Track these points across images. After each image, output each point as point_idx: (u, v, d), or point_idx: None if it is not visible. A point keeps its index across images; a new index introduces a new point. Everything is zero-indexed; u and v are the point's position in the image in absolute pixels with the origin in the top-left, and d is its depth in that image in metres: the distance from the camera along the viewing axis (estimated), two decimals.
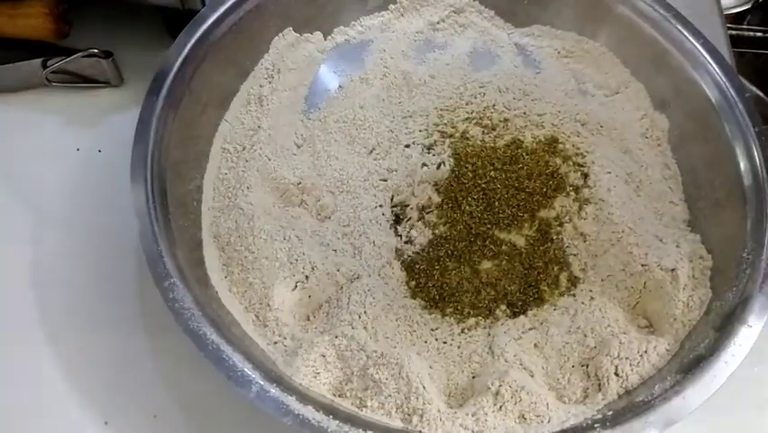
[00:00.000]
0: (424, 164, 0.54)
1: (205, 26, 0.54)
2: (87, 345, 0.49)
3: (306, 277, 0.48)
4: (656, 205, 0.54)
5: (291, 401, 0.41)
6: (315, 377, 0.44)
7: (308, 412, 0.40)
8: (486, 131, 0.56)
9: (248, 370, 0.41)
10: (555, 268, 0.51)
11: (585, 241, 0.52)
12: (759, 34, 0.77)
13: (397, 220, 0.53)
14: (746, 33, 0.77)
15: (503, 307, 0.50)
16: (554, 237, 0.52)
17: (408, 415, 0.43)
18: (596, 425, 0.42)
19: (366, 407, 0.43)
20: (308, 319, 0.49)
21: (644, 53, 0.60)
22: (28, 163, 0.57)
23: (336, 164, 0.54)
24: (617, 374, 0.46)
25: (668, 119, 0.58)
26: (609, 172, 0.54)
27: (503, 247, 0.52)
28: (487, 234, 0.52)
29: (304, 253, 0.49)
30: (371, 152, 0.55)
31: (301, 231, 0.50)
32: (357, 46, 0.62)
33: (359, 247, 0.51)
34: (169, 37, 0.58)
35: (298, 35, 0.60)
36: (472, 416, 0.43)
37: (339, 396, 0.44)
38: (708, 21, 0.65)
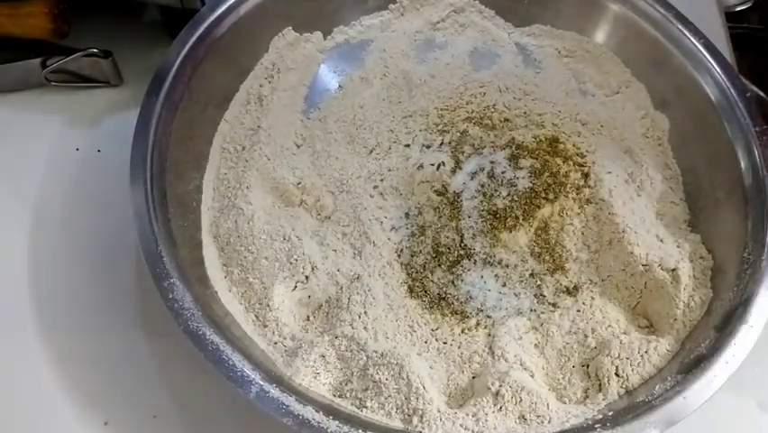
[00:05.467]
0: (423, 164, 0.54)
1: (204, 26, 0.54)
2: (87, 345, 0.49)
3: (306, 277, 0.48)
4: (657, 205, 0.54)
5: (291, 402, 0.41)
6: (315, 377, 0.44)
7: (308, 413, 0.40)
8: (486, 131, 0.56)
9: (248, 370, 0.41)
10: (556, 268, 0.51)
11: (585, 241, 0.52)
12: (759, 34, 0.77)
13: (398, 220, 0.53)
14: (747, 33, 0.77)
15: (503, 307, 0.50)
16: (555, 237, 0.52)
17: (408, 415, 0.43)
18: (596, 425, 0.42)
19: (366, 407, 0.43)
20: (308, 319, 0.49)
21: (645, 53, 0.60)
22: (27, 163, 0.56)
23: (336, 164, 0.54)
24: (617, 375, 0.46)
25: (669, 119, 0.58)
26: (610, 172, 0.54)
27: (503, 247, 0.52)
28: (487, 235, 0.52)
29: (304, 253, 0.49)
30: (371, 152, 0.55)
31: (301, 231, 0.50)
32: (357, 46, 0.62)
33: (359, 247, 0.51)
34: (168, 37, 0.58)
35: (298, 35, 0.60)
36: (473, 416, 0.43)
37: (339, 396, 0.44)
38: (709, 20, 0.64)
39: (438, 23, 0.64)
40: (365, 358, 0.45)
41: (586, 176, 0.54)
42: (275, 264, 0.48)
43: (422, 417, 0.43)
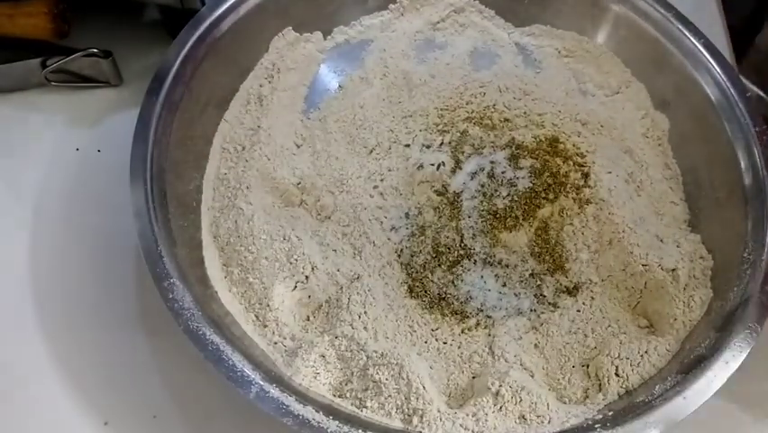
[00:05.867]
0: (423, 164, 0.54)
1: (204, 26, 0.54)
2: (87, 345, 0.49)
3: (306, 277, 0.48)
4: (657, 205, 0.54)
5: (291, 402, 0.41)
6: (315, 377, 0.44)
7: (308, 413, 0.40)
8: (486, 131, 0.56)
9: (248, 370, 0.41)
10: (556, 268, 0.51)
11: (585, 241, 0.52)
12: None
13: (398, 220, 0.53)
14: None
15: (503, 307, 0.50)
16: (555, 237, 0.52)
17: (409, 415, 0.43)
18: (596, 425, 0.42)
19: (366, 407, 0.43)
20: (308, 319, 0.49)
21: (645, 53, 0.60)
22: (27, 163, 0.56)
23: (336, 164, 0.54)
24: (617, 375, 0.46)
25: (669, 119, 0.58)
26: (610, 172, 0.54)
27: (503, 247, 0.52)
28: (487, 235, 0.52)
29: (304, 253, 0.49)
30: (371, 152, 0.55)
31: (301, 231, 0.50)
32: (357, 46, 0.62)
33: (359, 247, 0.51)
34: (168, 37, 0.58)
35: (298, 35, 0.60)
36: (473, 416, 0.43)
37: (339, 396, 0.44)
38: (709, 20, 0.64)
39: (438, 22, 0.64)
40: (365, 358, 0.45)
41: (586, 176, 0.54)
42: (275, 264, 0.48)
43: (422, 417, 0.43)
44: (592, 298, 0.50)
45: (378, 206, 0.53)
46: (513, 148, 0.55)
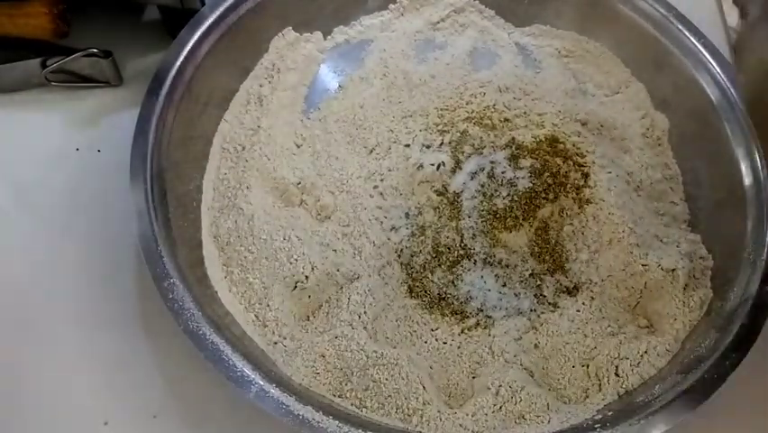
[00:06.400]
0: (423, 164, 0.54)
1: (204, 26, 0.54)
2: (87, 345, 0.49)
3: (306, 277, 0.48)
4: (657, 205, 0.55)
5: (291, 402, 0.41)
6: (315, 377, 0.44)
7: (308, 412, 0.40)
8: (486, 131, 0.56)
9: (247, 370, 0.41)
10: (556, 268, 0.51)
11: (585, 241, 0.52)
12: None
13: (398, 220, 0.53)
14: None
15: (503, 307, 0.50)
16: (555, 237, 0.52)
17: (408, 415, 0.43)
18: (596, 425, 0.42)
19: (366, 407, 0.43)
20: (308, 319, 0.49)
21: (645, 53, 0.60)
22: (27, 163, 0.56)
23: (336, 164, 0.54)
24: (617, 374, 0.46)
25: (668, 119, 0.58)
26: (610, 172, 0.54)
27: (503, 247, 0.52)
28: (487, 235, 0.52)
29: (304, 253, 0.49)
30: (371, 151, 0.55)
31: (301, 231, 0.50)
32: (357, 46, 0.62)
33: (359, 247, 0.51)
34: (168, 37, 0.58)
35: (298, 35, 0.60)
36: (472, 416, 0.43)
37: (339, 396, 0.44)
38: (709, 20, 0.64)
39: (438, 22, 0.64)
40: (365, 358, 0.45)
41: (586, 176, 0.54)
42: (275, 264, 0.48)
43: (421, 416, 0.43)
44: (592, 298, 0.50)
45: (378, 206, 0.53)
46: (513, 148, 0.55)
